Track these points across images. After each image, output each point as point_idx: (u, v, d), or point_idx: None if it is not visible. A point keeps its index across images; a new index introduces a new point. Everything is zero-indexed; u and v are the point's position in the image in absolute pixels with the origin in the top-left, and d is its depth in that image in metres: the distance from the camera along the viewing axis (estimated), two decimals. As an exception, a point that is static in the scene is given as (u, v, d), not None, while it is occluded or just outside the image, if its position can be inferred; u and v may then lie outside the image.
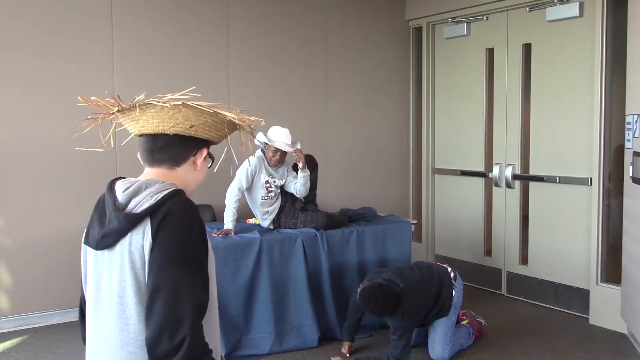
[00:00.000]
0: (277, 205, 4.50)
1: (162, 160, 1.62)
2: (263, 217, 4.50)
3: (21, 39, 4.50)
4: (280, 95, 5.62)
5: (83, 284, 1.68)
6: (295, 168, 4.62)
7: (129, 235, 1.48)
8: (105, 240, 1.51)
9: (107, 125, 1.66)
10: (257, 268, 4.13)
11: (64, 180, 4.68)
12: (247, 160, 4.37)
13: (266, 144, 4.36)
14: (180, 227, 1.48)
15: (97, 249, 1.54)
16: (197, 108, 1.56)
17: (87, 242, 1.59)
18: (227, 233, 4.21)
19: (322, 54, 5.87)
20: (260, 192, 4.41)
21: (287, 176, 4.55)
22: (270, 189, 4.43)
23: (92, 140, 1.72)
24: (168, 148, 1.60)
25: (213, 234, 4.18)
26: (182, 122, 1.57)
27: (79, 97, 1.60)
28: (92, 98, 1.59)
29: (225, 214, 4.31)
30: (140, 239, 1.47)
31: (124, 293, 1.48)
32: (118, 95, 1.58)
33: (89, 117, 1.66)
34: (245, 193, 4.44)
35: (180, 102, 1.55)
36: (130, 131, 1.64)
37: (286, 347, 4.19)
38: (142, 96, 1.57)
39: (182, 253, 1.46)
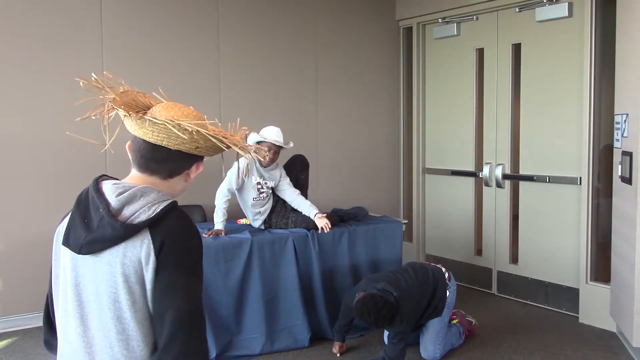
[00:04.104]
0: (268, 206, 4.49)
1: (157, 170, 1.56)
2: (254, 217, 4.49)
3: (9, 40, 4.47)
4: (270, 95, 5.61)
5: (53, 285, 1.59)
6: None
7: (122, 245, 1.42)
8: (92, 246, 1.44)
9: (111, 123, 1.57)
10: (248, 268, 4.12)
11: (52, 181, 4.65)
12: (237, 161, 4.36)
13: (257, 144, 4.35)
14: (184, 249, 1.46)
15: (79, 253, 1.46)
16: (209, 137, 1.52)
17: (66, 244, 1.49)
18: (217, 234, 4.20)
19: (312, 54, 5.86)
20: (251, 193, 4.40)
21: (280, 180, 4.53)
22: (262, 190, 4.42)
23: (87, 135, 1.65)
24: (166, 162, 1.55)
25: (204, 235, 4.17)
26: (188, 143, 1.52)
27: (77, 77, 1.51)
28: (93, 77, 1.51)
29: (215, 215, 4.29)
30: (137, 252, 1.42)
31: (118, 306, 1.43)
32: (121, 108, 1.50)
33: (86, 114, 1.54)
34: (236, 194, 4.43)
35: (191, 128, 1.49)
36: (129, 129, 1.56)
37: (277, 347, 4.19)
38: (151, 117, 1.50)
39: (191, 273, 1.46)
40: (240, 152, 1.57)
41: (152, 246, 1.42)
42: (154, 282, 1.42)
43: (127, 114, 1.51)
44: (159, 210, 1.45)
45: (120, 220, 1.43)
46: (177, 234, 1.46)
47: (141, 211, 1.45)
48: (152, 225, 1.43)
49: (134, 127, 1.53)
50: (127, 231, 1.42)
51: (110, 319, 1.44)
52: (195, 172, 1.62)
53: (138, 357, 1.45)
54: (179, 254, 1.44)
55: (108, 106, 1.53)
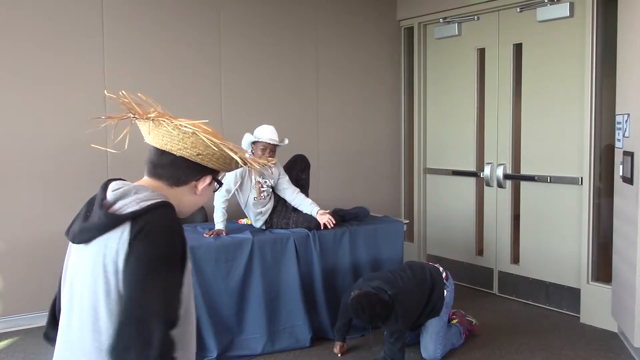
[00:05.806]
0: (270, 205, 4.48)
1: (163, 176, 1.58)
2: (256, 217, 4.48)
3: (10, 41, 4.47)
4: (271, 95, 5.61)
5: (62, 280, 1.61)
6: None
7: (105, 235, 1.43)
8: (82, 234, 1.47)
9: (120, 128, 1.63)
10: (249, 268, 4.12)
11: (54, 182, 4.66)
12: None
13: (253, 144, 4.33)
14: (158, 239, 1.43)
15: (73, 242, 1.51)
16: (205, 140, 1.54)
17: (67, 234, 1.54)
18: (218, 234, 4.19)
19: (313, 54, 5.86)
20: (252, 193, 4.39)
21: (279, 179, 4.52)
22: (262, 189, 4.41)
23: (101, 140, 1.69)
24: (171, 167, 1.58)
25: (204, 235, 4.18)
26: (189, 148, 1.55)
27: (105, 92, 1.57)
28: (121, 92, 1.56)
29: (214, 215, 4.29)
30: (115, 243, 1.42)
31: (95, 297, 1.43)
32: (135, 103, 1.55)
33: (103, 116, 1.62)
34: (237, 195, 4.43)
35: (190, 130, 1.54)
36: (144, 138, 1.62)
37: (278, 347, 4.19)
38: (154, 114, 1.56)
39: (158, 266, 1.40)
40: (236, 158, 1.58)
41: (128, 236, 1.41)
42: (124, 272, 1.40)
43: (134, 117, 1.56)
44: (145, 205, 1.46)
45: (108, 210, 1.46)
46: (155, 226, 1.43)
47: (129, 205, 1.47)
48: (134, 217, 1.44)
49: (145, 133, 1.59)
50: (109, 220, 1.43)
51: (87, 310, 1.44)
52: (202, 184, 1.62)
53: (104, 350, 1.42)
54: (151, 246, 1.41)
55: (121, 117, 1.60)
